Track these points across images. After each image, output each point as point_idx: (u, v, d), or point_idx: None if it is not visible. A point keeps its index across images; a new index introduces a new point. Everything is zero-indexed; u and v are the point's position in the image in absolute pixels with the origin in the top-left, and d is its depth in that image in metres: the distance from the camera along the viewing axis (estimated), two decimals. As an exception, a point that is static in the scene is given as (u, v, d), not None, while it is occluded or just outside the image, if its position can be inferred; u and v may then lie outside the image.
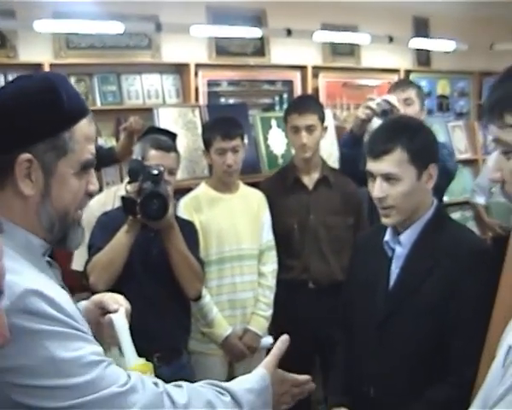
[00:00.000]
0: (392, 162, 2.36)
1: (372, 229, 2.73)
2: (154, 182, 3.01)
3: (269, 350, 3.92)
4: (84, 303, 1.91)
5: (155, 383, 1.56)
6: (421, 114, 4.20)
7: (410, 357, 2.36)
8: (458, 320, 2.28)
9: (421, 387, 2.30)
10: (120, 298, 1.92)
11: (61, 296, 1.48)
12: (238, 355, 3.82)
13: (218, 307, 3.76)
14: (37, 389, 1.37)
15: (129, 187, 3.07)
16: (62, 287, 1.66)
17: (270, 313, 3.89)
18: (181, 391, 1.58)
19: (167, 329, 3.22)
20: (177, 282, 3.25)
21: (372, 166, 2.42)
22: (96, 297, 1.93)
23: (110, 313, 1.86)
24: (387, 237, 2.50)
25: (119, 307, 1.87)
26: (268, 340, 3.91)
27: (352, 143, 4.01)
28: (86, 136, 1.60)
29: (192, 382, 1.69)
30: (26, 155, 1.50)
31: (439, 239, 2.39)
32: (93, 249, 3.15)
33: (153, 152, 3.24)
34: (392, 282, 2.45)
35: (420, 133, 2.43)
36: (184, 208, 3.74)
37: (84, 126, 1.60)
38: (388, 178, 2.37)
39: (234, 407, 1.65)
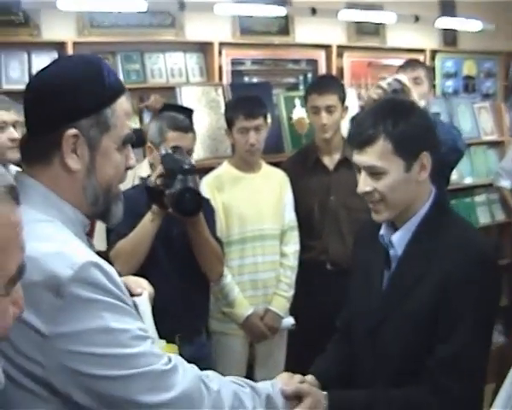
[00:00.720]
0: (375, 154, 2.11)
1: (371, 221, 2.39)
2: (186, 177, 2.98)
3: (290, 331, 3.97)
4: None
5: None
6: (430, 94, 4.28)
7: (402, 362, 2.16)
8: (452, 329, 2.05)
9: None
10: (144, 282, 1.97)
11: (114, 271, 1.54)
12: (259, 335, 3.81)
13: (240, 287, 3.76)
14: (88, 355, 1.42)
15: (153, 176, 3.04)
16: None
17: (291, 293, 3.88)
18: (212, 379, 1.66)
19: (189, 309, 3.21)
20: (198, 263, 3.22)
21: (355, 157, 2.20)
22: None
23: (134, 296, 1.88)
24: (382, 230, 2.28)
25: (142, 290, 1.91)
26: (289, 321, 3.91)
27: None
28: (125, 111, 1.67)
29: (210, 360, 1.76)
30: (73, 131, 1.57)
31: (435, 240, 2.14)
32: (115, 235, 3.13)
33: (171, 133, 3.22)
34: (385, 281, 2.25)
35: (407, 119, 2.15)
36: (207, 187, 3.73)
37: (123, 103, 1.67)
38: (372, 171, 2.13)
39: (254, 396, 1.73)
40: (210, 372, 1.70)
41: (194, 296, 3.26)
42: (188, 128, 3.31)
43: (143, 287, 1.93)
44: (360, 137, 2.16)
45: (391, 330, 2.17)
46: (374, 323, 2.23)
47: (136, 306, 1.82)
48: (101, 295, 1.45)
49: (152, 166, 3.34)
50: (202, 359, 2.97)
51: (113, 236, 3.16)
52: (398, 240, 2.21)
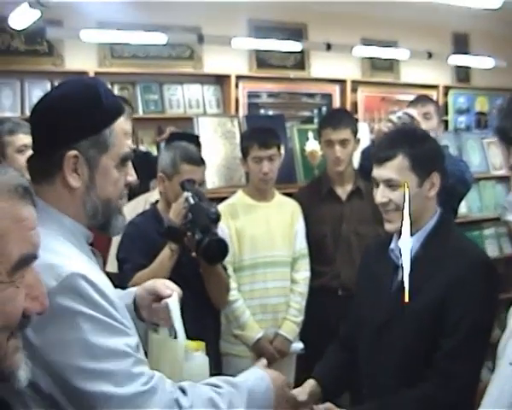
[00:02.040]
0: (394, 169, 2.41)
1: (381, 237, 2.74)
2: (213, 226, 3.07)
3: (298, 355, 4.04)
4: (136, 290, 2.07)
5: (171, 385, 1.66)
6: (439, 129, 4.38)
7: (406, 362, 2.40)
8: (451, 327, 2.30)
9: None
10: (171, 284, 2.06)
11: (105, 283, 1.62)
12: (268, 358, 3.88)
13: (250, 311, 3.85)
14: (67, 365, 1.48)
15: (173, 215, 3.12)
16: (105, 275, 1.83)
17: (301, 319, 3.96)
18: (188, 393, 1.66)
19: (197, 333, 3.28)
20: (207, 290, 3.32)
21: (375, 172, 2.49)
22: (149, 285, 2.06)
23: (164, 298, 1.99)
24: (393, 244, 2.52)
25: (171, 292, 2.01)
26: (298, 345, 3.99)
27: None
28: (124, 131, 1.78)
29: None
30: (73, 152, 1.67)
31: (440, 250, 2.41)
32: (130, 265, 3.17)
33: (184, 166, 3.27)
34: (393, 288, 2.49)
35: (422, 142, 2.49)
36: (221, 214, 3.84)
37: (122, 123, 1.77)
38: (390, 184, 2.43)
39: (232, 393, 1.73)
40: (186, 385, 1.69)
41: (202, 320, 3.33)
42: (200, 161, 3.40)
43: (171, 288, 2.02)
44: (381, 154, 2.47)
45: (397, 328, 2.40)
46: (382, 320, 2.46)
47: (167, 307, 1.94)
48: (84, 307, 1.50)
49: (161, 194, 3.40)
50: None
51: (128, 265, 3.20)
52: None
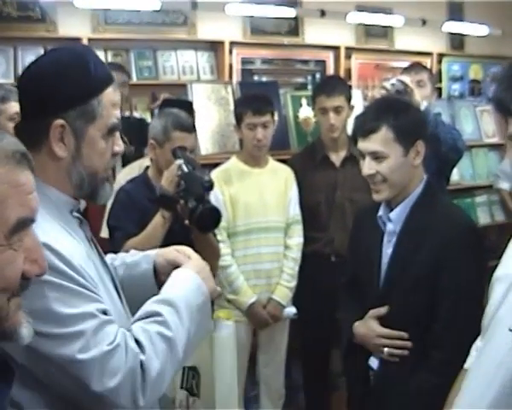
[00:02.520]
0: (379, 141, 2.47)
1: (370, 204, 2.79)
2: (206, 194, 3.08)
3: (291, 320, 4.09)
4: (155, 256, 2.03)
5: (136, 341, 1.65)
6: (432, 97, 4.42)
7: (408, 329, 2.49)
8: (446, 294, 2.39)
9: (416, 358, 2.46)
10: (189, 250, 2.03)
11: (74, 251, 1.61)
12: (261, 323, 3.95)
13: (244, 276, 3.90)
14: (36, 334, 1.46)
15: (165, 183, 3.10)
16: (93, 243, 1.85)
17: (293, 284, 4.01)
18: (142, 348, 1.65)
19: None
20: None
21: (360, 145, 2.55)
22: (169, 255, 2.02)
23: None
24: (381, 211, 2.62)
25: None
26: (291, 310, 4.03)
27: None
28: (112, 102, 1.75)
29: None
30: (60, 121, 1.66)
31: (428, 216, 2.49)
32: (122, 234, 3.15)
33: (176, 133, 3.27)
34: (384, 257, 2.58)
35: (406, 112, 2.54)
36: (215, 180, 3.82)
37: (110, 93, 1.75)
38: (376, 156, 2.49)
39: (171, 312, 1.71)
40: (140, 332, 1.67)
41: None
42: (192, 128, 3.41)
43: (190, 256, 1.98)
44: (365, 126, 2.53)
45: (394, 299, 2.51)
46: (378, 293, 2.56)
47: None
48: (49, 276, 1.48)
49: (152, 162, 3.39)
50: None
51: (119, 233, 3.19)
52: (396, 216, 2.56)
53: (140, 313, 1.74)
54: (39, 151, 1.68)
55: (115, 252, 2.74)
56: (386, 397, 2.54)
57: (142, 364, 1.62)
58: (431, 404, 2.16)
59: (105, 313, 1.63)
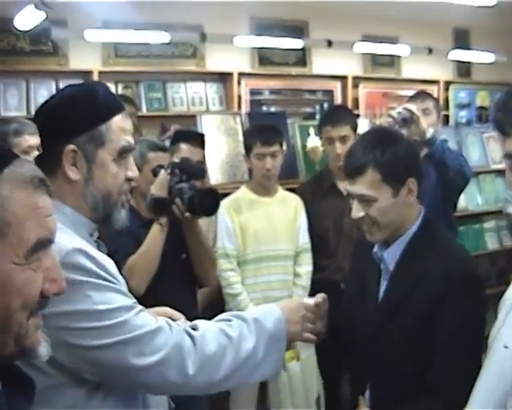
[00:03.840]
0: (365, 184, 2.29)
1: None
2: (198, 179, 3.20)
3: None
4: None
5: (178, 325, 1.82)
6: (438, 124, 4.48)
7: (401, 369, 2.33)
8: (440, 343, 2.23)
9: (412, 397, 2.28)
10: (176, 314, 2.12)
11: (104, 258, 1.76)
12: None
13: (253, 304, 3.89)
14: (79, 330, 1.63)
15: (154, 188, 3.18)
16: None
17: (303, 311, 4.02)
18: (196, 329, 1.81)
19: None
20: (190, 274, 3.37)
21: (348, 187, 2.39)
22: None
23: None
24: (375, 247, 2.45)
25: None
26: (301, 337, 4.05)
27: None
28: (121, 128, 1.87)
29: None
30: (71, 146, 1.80)
31: (425, 257, 2.32)
32: (121, 254, 3.13)
33: (152, 154, 3.37)
34: (381, 293, 2.43)
35: (393, 148, 2.32)
36: (225, 209, 3.91)
37: (120, 120, 1.87)
38: (363, 199, 2.31)
39: (240, 324, 1.87)
40: (197, 321, 1.86)
41: (186, 307, 3.35)
42: (165, 148, 3.54)
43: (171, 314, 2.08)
44: (351, 168, 2.35)
45: (387, 340, 2.36)
46: (371, 333, 2.40)
47: None
48: (86, 277, 1.65)
49: (133, 190, 3.36)
50: None
51: (119, 254, 3.11)
52: (389, 256, 2.39)
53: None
54: (56, 176, 1.81)
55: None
56: None
57: (193, 340, 1.77)
58: None
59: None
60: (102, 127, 1.83)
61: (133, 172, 1.93)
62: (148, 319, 1.75)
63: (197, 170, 3.35)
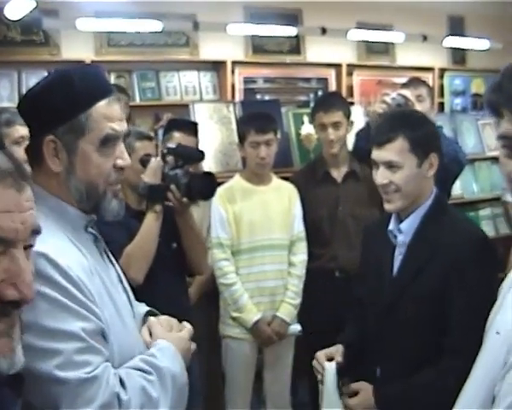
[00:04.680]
0: (394, 150, 2.48)
1: (379, 218, 2.85)
2: (197, 162, 3.22)
3: (297, 337, 4.09)
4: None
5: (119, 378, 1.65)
6: (431, 111, 4.48)
7: (413, 341, 2.47)
8: (456, 308, 2.37)
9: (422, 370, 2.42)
10: (174, 322, 2.02)
11: (73, 262, 1.63)
12: (266, 340, 3.95)
13: (248, 294, 3.90)
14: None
15: (146, 177, 3.13)
16: (110, 261, 1.90)
17: (298, 301, 4.01)
18: (124, 388, 1.65)
19: (176, 312, 3.23)
20: (181, 263, 3.35)
21: (375, 154, 2.55)
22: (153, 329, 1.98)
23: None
24: (391, 225, 2.61)
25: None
26: (296, 327, 4.02)
27: (367, 137, 4.13)
28: (105, 115, 1.78)
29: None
30: (50, 137, 1.74)
31: (438, 228, 2.49)
32: (115, 245, 2.89)
33: (138, 143, 3.33)
34: (395, 269, 2.57)
35: (421, 124, 2.56)
36: (219, 198, 3.87)
37: (102, 107, 1.78)
38: (390, 165, 2.49)
39: (158, 379, 1.72)
40: (123, 374, 1.68)
41: (180, 298, 3.37)
42: (151, 136, 3.51)
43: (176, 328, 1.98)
44: (381, 135, 2.54)
45: (402, 312, 2.49)
46: (387, 303, 2.54)
47: None
48: (42, 286, 1.52)
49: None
50: None
51: (113, 245, 2.98)
52: (407, 227, 2.56)
53: (131, 363, 1.73)
54: (41, 167, 1.75)
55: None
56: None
57: (120, 403, 1.61)
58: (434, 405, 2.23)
59: (102, 334, 1.64)
60: (81, 116, 1.75)
61: (124, 160, 1.84)
62: (88, 361, 1.58)
63: (196, 153, 3.32)
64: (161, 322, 1.99)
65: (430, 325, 2.43)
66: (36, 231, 1.27)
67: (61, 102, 1.73)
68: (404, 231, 2.56)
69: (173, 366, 1.79)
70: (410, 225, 2.55)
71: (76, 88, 1.75)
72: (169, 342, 1.86)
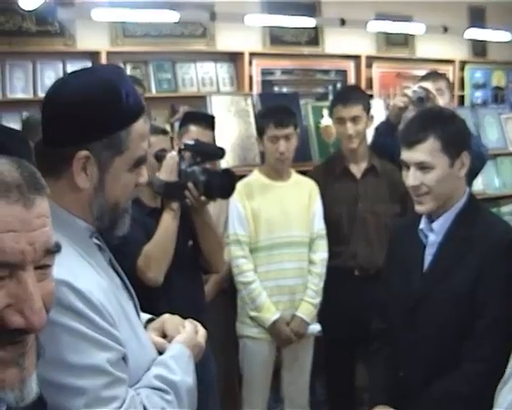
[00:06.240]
0: (425, 151, 2.41)
1: (408, 218, 2.82)
2: (216, 160, 3.15)
3: (316, 338, 4.02)
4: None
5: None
6: (450, 104, 4.35)
7: (441, 340, 2.42)
8: (485, 305, 2.34)
9: (450, 370, 2.38)
10: (182, 322, 1.93)
11: (94, 286, 1.53)
12: (285, 340, 3.87)
13: (267, 292, 3.82)
14: (41, 379, 1.34)
15: (162, 174, 3.04)
16: (114, 269, 1.76)
17: (318, 300, 3.92)
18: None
19: (193, 311, 3.16)
20: (197, 262, 3.27)
21: (406, 155, 2.48)
22: (158, 326, 1.92)
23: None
24: (422, 225, 2.55)
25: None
26: (316, 327, 3.95)
27: (387, 132, 4.06)
28: (141, 134, 1.67)
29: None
30: (84, 153, 1.58)
31: (471, 227, 2.45)
32: (132, 247, 2.96)
33: (153, 138, 3.14)
34: (425, 267, 2.53)
35: (452, 122, 2.49)
36: (237, 194, 3.76)
37: (140, 124, 1.67)
38: (422, 166, 2.43)
39: (175, 398, 1.67)
40: (145, 399, 1.61)
41: (195, 297, 3.25)
42: (166, 131, 3.44)
43: (180, 329, 1.89)
44: (411, 136, 2.47)
45: (431, 309, 2.44)
46: (415, 302, 2.49)
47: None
48: (65, 317, 1.43)
49: None
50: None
51: (130, 248, 2.92)
52: (439, 227, 2.50)
53: (146, 381, 1.66)
54: (59, 179, 1.60)
55: (129, 267, 2.69)
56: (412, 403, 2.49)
57: None
58: None
59: (123, 358, 1.56)
60: (123, 133, 1.62)
61: (144, 177, 1.73)
62: (116, 394, 1.50)
63: (216, 150, 3.24)
64: (174, 319, 1.92)
65: (457, 327, 2.39)
66: (50, 251, 1.12)
67: (106, 116, 1.60)
68: (435, 231, 2.51)
69: (187, 375, 1.74)
70: (442, 224, 2.50)
71: (123, 102, 1.62)
72: (183, 345, 1.80)
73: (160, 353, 1.78)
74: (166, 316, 1.94)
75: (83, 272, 1.53)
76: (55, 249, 1.12)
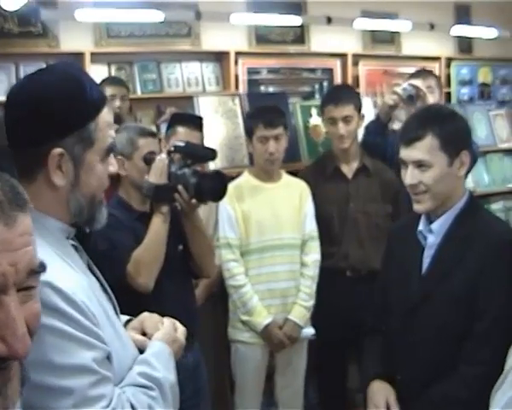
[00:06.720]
0: (423, 149, 2.38)
1: (406, 219, 2.78)
2: (207, 162, 3.13)
3: (310, 341, 3.98)
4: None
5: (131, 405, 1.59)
6: (440, 102, 4.35)
7: (440, 342, 2.39)
8: (484, 307, 2.31)
9: (448, 373, 2.35)
10: (161, 320, 1.93)
11: (76, 287, 1.52)
12: (278, 345, 3.81)
13: (258, 296, 3.77)
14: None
15: (151, 177, 2.99)
16: (91, 270, 1.74)
17: (311, 303, 3.87)
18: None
19: (184, 316, 3.13)
20: (187, 266, 3.23)
21: (404, 153, 2.45)
22: (138, 324, 1.92)
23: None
24: (421, 226, 2.52)
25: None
26: (309, 331, 3.90)
27: (377, 131, 4.03)
28: (108, 123, 1.69)
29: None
30: (58, 150, 1.58)
31: (471, 229, 2.42)
32: (120, 252, 2.97)
33: (142, 140, 3.16)
34: (424, 269, 2.49)
35: (451, 121, 2.46)
36: (227, 197, 3.69)
37: (105, 114, 1.68)
38: (420, 164, 2.40)
39: (159, 394, 1.68)
40: (131, 396, 1.61)
41: (187, 302, 3.22)
42: (154, 133, 3.38)
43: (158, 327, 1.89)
44: (411, 133, 2.44)
45: (429, 312, 2.41)
46: (414, 303, 2.46)
47: None
48: (51, 318, 1.42)
49: (123, 179, 3.20)
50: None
51: (118, 252, 2.96)
52: (438, 227, 2.47)
53: (131, 379, 1.65)
54: (34, 180, 1.59)
55: (118, 271, 2.69)
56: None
57: None
58: None
59: (108, 357, 1.55)
60: (91, 125, 1.62)
61: (113, 166, 1.74)
62: (104, 393, 1.49)
63: (207, 152, 3.20)
64: (153, 317, 1.94)
65: (455, 329, 2.36)
66: (34, 271, 1.06)
67: (75, 110, 1.59)
68: (435, 231, 2.48)
69: (169, 372, 1.75)
70: (441, 225, 2.47)
71: (88, 95, 1.61)
72: (163, 342, 1.81)
73: (141, 351, 1.78)
74: (145, 314, 1.96)
75: (64, 273, 1.52)
76: (39, 270, 1.07)
